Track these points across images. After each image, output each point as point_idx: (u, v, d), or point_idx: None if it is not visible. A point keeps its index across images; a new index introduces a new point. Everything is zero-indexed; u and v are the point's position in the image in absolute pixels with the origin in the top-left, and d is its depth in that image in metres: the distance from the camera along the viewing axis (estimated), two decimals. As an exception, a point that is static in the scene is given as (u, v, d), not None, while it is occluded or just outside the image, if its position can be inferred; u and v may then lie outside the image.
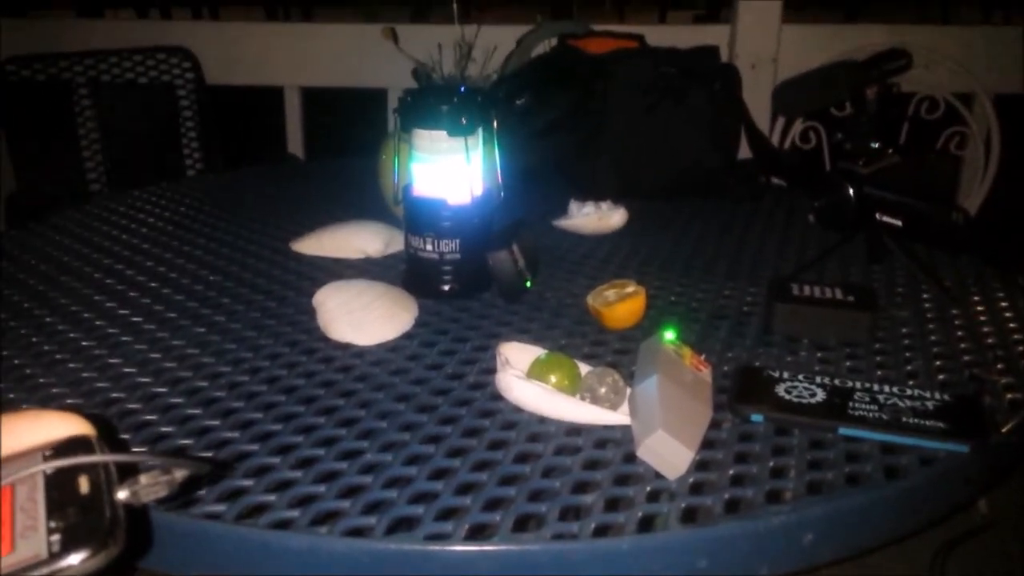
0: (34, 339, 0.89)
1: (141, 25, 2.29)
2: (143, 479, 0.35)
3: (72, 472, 0.34)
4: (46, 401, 0.77)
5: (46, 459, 0.34)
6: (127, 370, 0.83)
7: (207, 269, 1.08)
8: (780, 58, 2.27)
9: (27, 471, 0.33)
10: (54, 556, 0.31)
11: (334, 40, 2.31)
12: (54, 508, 0.32)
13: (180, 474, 0.36)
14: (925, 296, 1.02)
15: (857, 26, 2.33)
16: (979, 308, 0.99)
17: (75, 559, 0.31)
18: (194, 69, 2.12)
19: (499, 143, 1.02)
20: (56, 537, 0.31)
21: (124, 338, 0.90)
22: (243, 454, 0.69)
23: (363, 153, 1.33)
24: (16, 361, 0.85)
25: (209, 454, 0.69)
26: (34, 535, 0.31)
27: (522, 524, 0.60)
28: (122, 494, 0.34)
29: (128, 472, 0.36)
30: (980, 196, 2.03)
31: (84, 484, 0.33)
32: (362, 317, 0.90)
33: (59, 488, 0.33)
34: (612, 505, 0.62)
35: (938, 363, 0.86)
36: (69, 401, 0.77)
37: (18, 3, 2.43)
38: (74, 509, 0.32)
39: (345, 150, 1.72)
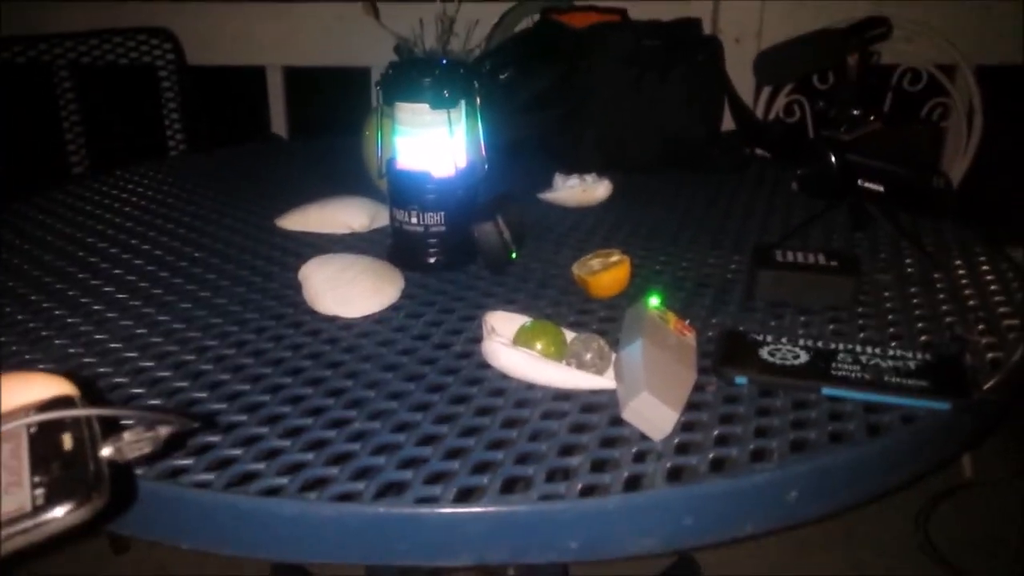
0: (19, 317, 0.89)
1: (121, 7, 2.26)
2: (127, 436, 0.36)
3: (55, 429, 0.34)
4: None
5: (29, 417, 0.34)
6: (113, 345, 0.83)
7: (191, 246, 1.08)
8: (764, 32, 2.26)
9: (10, 426, 0.33)
10: (38, 509, 0.31)
11: (315, 19, 2.29)
12: (38, 464, 0.33)
13: (164, 430, 0.37)
14: (908, 261, 1.03)
15: (841, 0, 2.32)
16: (961, 272, 0.99)
17: (59, 511, 0.31)
18: (175, 50, 2.10)
19: (483, 117, 1.02)
20: (40, 491, 0.32)
21: (110, 314, 0.90)
22: (231, 424, 0.69)
23: (347, 132, 1.33)
24: (1, 339, 0.84)
25: (196, 424, 0.69)
26: (18, 490, 0.32)
27: (510, 487, 0.61)
28: (106, 450, 0.35)
29: (113, 430, 0.36)
30: (963, 166, 2.04)
31: (67, 441, 0.34)
32: (348, 290, 0.90)
33: (43, 445, 0.33)
34: (598, 466, 0.63)
35: (920, 325, 0.87)
36: (56, 376, 0.77)
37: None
38: (58, 464, 0.33)
39: (329, 130, 1.71)
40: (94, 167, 2.03)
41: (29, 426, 0.34)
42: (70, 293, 0.95)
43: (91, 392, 0.71)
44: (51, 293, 0.95)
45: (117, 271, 1.01)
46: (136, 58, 2.09)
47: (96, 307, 0.91)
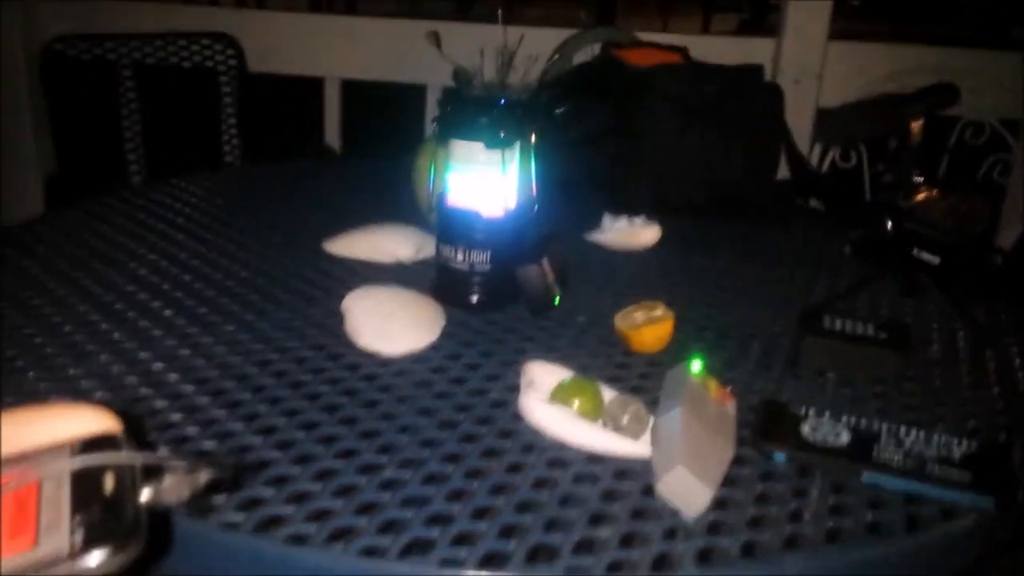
0: (66, 328, 0.90)
1: (187, 10, 2.30)
2: (167, 480, 0.36)
3: (98, 470, 0.34)
4: (75, 393, 0.78)
5: (74, 455, 0.34)
6: (156, 366, 0.84)
7: (239, 265, 1.09)
8: (825, 74, 2.24)
9: (55, 467, 0.33)
10: (75, 553, 0.31)
11: (376, 34, 2.32)
12: (79, 505, 0.33)
13: (203, 476, 0.37)
14: (959, 336, 1.00)
15: (904, 46, 2.29)
16: (1015, 351, 0.97)
17: (96, 557, 0.31)
18: (237, 56, 2.13)
19: (536, 155, 1.02)
20: (79, 535, 0.32)
21: (155, 332, 0.91)
22: (264, 462, 0.69)
23: (399, 148, 1.33)
24: (49, 350, 0.86)
25: (237, 468, 0.69)
26: (57, 532, 0.32)
27: (536, 554, 0.60)
28: (145, 495, 0.35)
29: (152, 472, 0.36)
30: (1020, 226, 2.00)
31: (109, 482, 0.34)
32: (388, 326, 0.90)
33: (85, 485, 0.33)
34: (627, 541, 0.62)
35: (968, 408, 0.84)
36: (98, 394, 0.78)
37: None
38: (98, 507, 0.33)
39: (381, 143, 1.72)
40: (151, 164, 2.07)
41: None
42: (117, 306, 0.96)
43: (134, 424, 0.72)
44: (98, 305, 0.96)
45: (165, 286, 1.02)
46: (199, 61, 2.12)
47: (141, 323, 0.93)
